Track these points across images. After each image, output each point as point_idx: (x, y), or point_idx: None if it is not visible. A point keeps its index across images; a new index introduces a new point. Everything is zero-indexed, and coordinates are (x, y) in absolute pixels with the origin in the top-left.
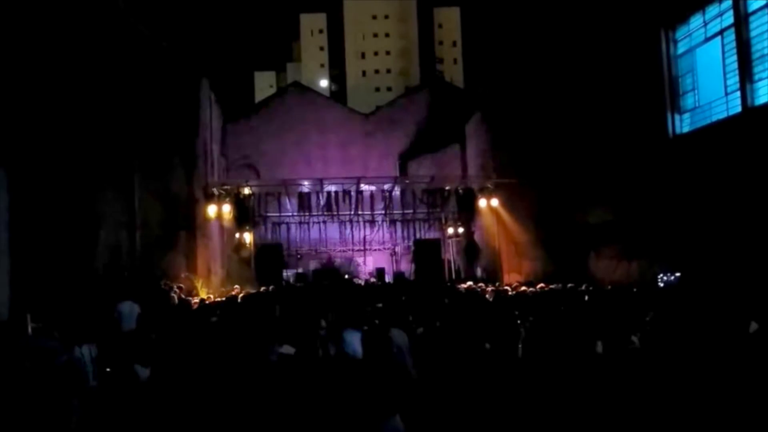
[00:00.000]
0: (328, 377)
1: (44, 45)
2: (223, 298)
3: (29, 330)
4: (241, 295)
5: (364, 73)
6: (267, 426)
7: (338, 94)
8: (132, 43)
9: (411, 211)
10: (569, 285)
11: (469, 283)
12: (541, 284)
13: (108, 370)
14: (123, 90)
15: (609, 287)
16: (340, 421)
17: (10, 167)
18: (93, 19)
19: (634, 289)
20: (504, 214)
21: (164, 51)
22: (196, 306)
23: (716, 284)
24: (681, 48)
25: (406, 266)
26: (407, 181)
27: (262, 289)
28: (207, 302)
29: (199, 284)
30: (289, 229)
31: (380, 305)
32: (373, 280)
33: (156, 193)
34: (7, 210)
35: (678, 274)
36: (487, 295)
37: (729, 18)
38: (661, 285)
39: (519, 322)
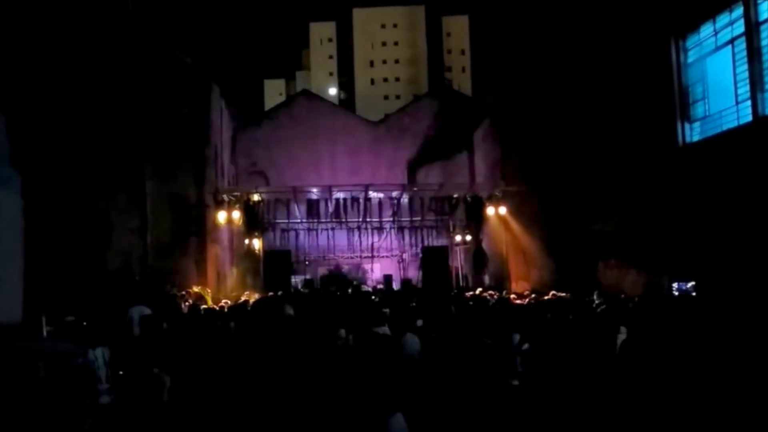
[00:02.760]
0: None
1: (58, 52)
2: (231, 304)
3: (44, 333)
4: (250, 300)
5: (372, 82)
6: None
7: (347, 102)
8: (144, 51)
9: (419, 218)
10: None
11: (479, 290)
12: (553, 291)
13: (121, 373)
14: (135, 97)
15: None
16: (345, 419)
17: (24, 173)
18: (106, 27)
19: (636, 298)
20: (512, 222)
21: (176, 59)
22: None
23: (729, 293)
24: (691, 57)
25: (414, 273)
26: (415, 189)
27: (270, 294)
28: (217, 308)
29: (207, 293)
30: (297, 235)
31: (387, 310)
32: (380, 286)
33: (167, 198)
34: (21, 215)
35: (692, 283)
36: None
37: (740, 27)
38: (676, 294)
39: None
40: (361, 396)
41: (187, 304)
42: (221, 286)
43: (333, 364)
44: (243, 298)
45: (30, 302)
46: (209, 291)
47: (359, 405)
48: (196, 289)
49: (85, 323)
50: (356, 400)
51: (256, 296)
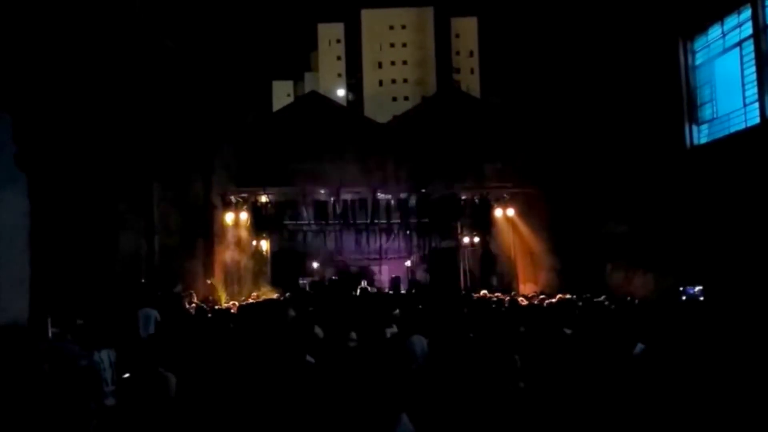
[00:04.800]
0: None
1: (64, 53)
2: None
3: (49, 334)
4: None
5: (381, 83)
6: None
7: (355, 103)
8: (152, 53)
9: (427, 220)
10: (584, 296)
11: (484, 291)
12: (560, 295)
13: (127, 375)
14: (142, 98)
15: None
16: (351, 419)
17: (31, 174)
18: (113, 28)
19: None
20: (520, 224)
21: (184, 60)
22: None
23: (735, 296)
24: (699, 59)
25: (422, 275)
26: (423, 190)
27: (276, 296)
28: (225, 309)
29: (221, 292)
30: (305, 237)
31: (397, 311)
32: (386, 288)
33: (174, 200)
34: (27, 216)
35: (700, 287)
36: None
37: (748, 29)
38: (684, 298)
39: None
40: (368, 396)
41: (193, 304)
42: (229, 288)
43: (339, 364)
44: (251, 299)
45: (36, 304)
46: (222, 288)
47: (366, 405)
48: (209, 282)
49: (91, 325)
50: (362, 401)
51: (266, 296)
